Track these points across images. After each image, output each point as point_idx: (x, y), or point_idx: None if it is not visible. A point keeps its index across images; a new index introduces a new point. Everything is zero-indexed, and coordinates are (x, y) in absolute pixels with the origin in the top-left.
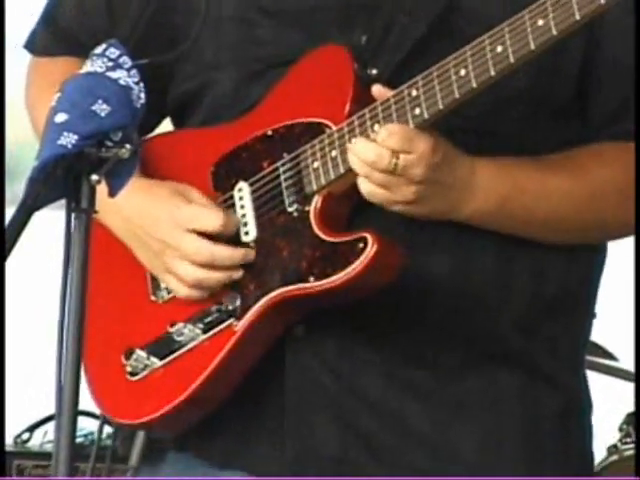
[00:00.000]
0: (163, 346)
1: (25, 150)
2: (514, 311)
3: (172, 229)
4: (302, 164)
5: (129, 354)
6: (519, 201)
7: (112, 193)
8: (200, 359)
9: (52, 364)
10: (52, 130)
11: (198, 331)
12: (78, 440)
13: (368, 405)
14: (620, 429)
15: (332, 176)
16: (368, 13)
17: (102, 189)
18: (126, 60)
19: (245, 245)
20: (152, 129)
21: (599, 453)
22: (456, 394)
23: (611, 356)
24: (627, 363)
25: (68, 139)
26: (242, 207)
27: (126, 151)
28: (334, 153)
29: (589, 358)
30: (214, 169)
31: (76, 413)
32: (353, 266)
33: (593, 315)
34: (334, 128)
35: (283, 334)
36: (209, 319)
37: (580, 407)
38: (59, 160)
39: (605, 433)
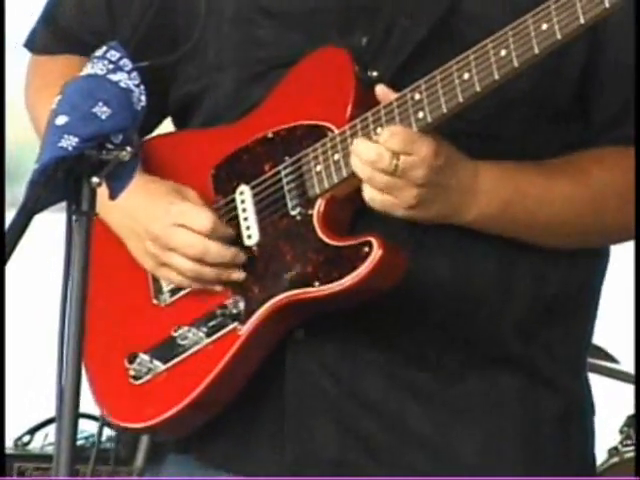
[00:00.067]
0: (167, 350)
1: (25, 152)
2: (515, 314)
3: (164, 223)
4: (304, 167)
5: (132, 358)
6: (521, 205)
7: (113, 196)
8: (204, 363)
9: (53, 367)
10: (53, 133)
11: (202, 335)
12: (79, 443)
13: (368, 407)
14: (621, 431)
15: (335, 180)
16: (369, 15)
17: (103, 189)
18: (127, 62)
19: (248, 249)
20: (151, 130)
21: (600, 455)
22: (457, 396)
23: (612, 358)
24: (628, 365)
25: (69, 141)
26: (244, 210)
27: (126, 154)
28: (337, 156)
29: (590, 360)
30: (215, 172)
31: (77, 416)
32: (358, 270)
33: (594, 319)
34: (336, 131)
35: (284, 338)
36: (213, 323)
37: (581, 410)
38: (60, 163)
39: (606, 435)
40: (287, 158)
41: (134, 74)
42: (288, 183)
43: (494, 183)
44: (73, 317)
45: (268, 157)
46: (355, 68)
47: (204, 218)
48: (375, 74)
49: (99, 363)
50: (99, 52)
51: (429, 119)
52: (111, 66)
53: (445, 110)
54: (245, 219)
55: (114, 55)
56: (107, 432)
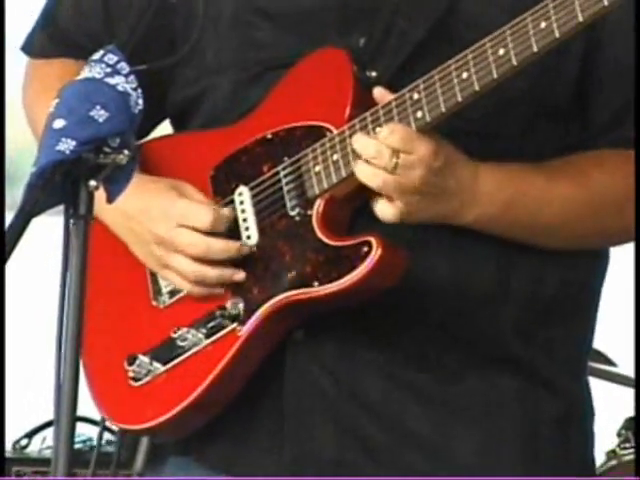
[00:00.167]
0: (166, 351)
1: (25, 156)
2: (514, 315)
3: (166, 223)
4: (303, 168)
5: (132, 360)
6: (522, 206)
7: (110, 199)
8: (204, 364)
9: (50, 370)
10: (50, 136)
11: (201, 336)
12: (77, 446)
13: (367, 408)
14: (619, 434)
15: (334, 180)
16: (367, 16)
17: (101, 192)
18: (124, 66)
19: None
20: (148, 133)
21: (598, 458)
22: (456, 396)
23: (609, 362)
24: (625, 369)
25: (66, 145)
26: (243, 211)
27: (124, 157)
28: (336, 157)
29: (588, 364)
30: (213, 173)
31: (75, 419)
32: (358, 270)
33: (595, 321)
34: (335, 131)
35: (283, 338)
36: (212, 324)
37: (581, 413)
38: (57, 166)
39: (604, 438)
40: (286, 159)
41: (131, 77)
42: (287, 184)
43: (494, 184)
44: (71, 320)
45: (267, 158)
46: (354, 68)
47: (204, 214)
48: (374, 74)
49: (98, 365)
50: (96, 55)
51: (428, 118)
52: (108, 69)
53: (444, 109)
54: (244, 220)
55: (111, 58)
56: (106, 436)
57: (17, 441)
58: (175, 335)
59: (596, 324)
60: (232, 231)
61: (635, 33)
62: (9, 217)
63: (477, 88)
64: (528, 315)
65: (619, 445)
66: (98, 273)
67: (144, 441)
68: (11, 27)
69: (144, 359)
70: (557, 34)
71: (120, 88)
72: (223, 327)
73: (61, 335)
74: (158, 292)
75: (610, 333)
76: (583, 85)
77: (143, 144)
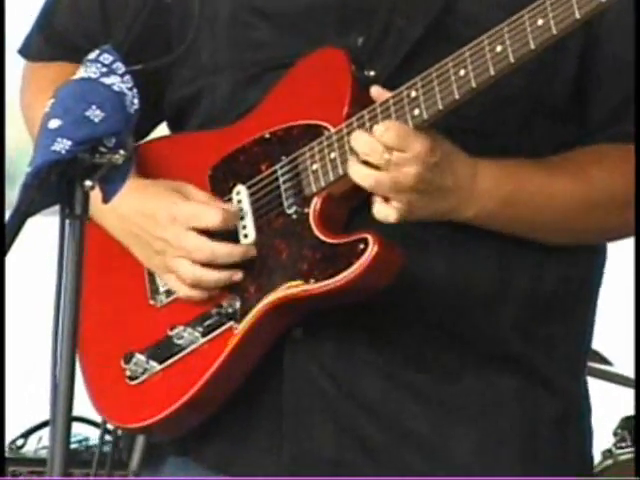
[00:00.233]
0: (163, 350)
1: (25, 156)
2: (513, 312)
3: (172, 227)
4: (301, 166)
5: (128, 358)
6: (521, 202)
7: (106, 199)
8: (200, 362)
9: (46, 370)
10: (46, 136)
11: (198, 334)
12: (72, 446)
13: (366, 407)
14: (615, 433)
15: (331, 178)
16: (365, 16)
17: (97, 192)
18: (120, 66)
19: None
20: (147, 134)
21: (594, 457)
22: (455, 396)
23: (605, 361)
24: (621, 368)
25: (62, 145)
26: (241, 210)
27: (120, 157)
28: (333, 155)
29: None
30: (212, 172)
31: (70, 419)
32: (354, 267)
33: (593, 322)
34: (332, 130)
35: (281, 336)
36: (209, 322)
37: (579, 413)
38: (53, 166)
39: (600, 437)
40: (284, 158)
41: (127, 77)
42: (284, 182)
43: (493, 181)
44: (67, 320)
45: (265, 157)
46: (352, 67)
47: (214, 215)
48: (372, 73)
49: (95, 363)
50: (92, 55)
51: (425, 116)
52: (104, 69)
53: (441, 107)
54: (242, 218)
55: (107, 58)
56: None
57: (13, 441)
58: (172, 333)
59: (595, 322)
60: (229, 230)
61: (635, 29)
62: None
63: (474, 85)
64: (527, 312)
65: (615, 444)
66: (95, 273)
67: (140, 440)
68: (11, 28)
69: (141, 357)
70: (555, 31)
71: (116, 88)
72: (219, 325)
73: (57, 335)
74: (155, 291)
75: (606, 332)
76: (581, 82)
77: (141, 145)
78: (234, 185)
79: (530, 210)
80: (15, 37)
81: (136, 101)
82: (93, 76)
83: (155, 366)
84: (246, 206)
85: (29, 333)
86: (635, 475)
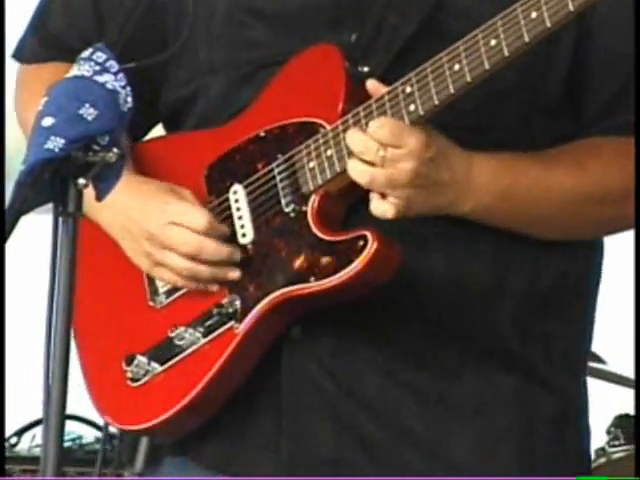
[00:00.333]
0: (164, 351)
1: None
2: (511, 309)
3: (159, 222)
4: (297, 164)
5: (130, 360)
6: (518, 196)
7: (99, 197)
8: (201, 363)
9: (40, 368)
10: (39, 134)
11: (199, 335)
12: (66, 444)
13: (365, 405)
14: (608, 432)
15: (328, 175)
16: (358, 14)
17: (91, 189)
18: (113, 64)
19: (242, 247)
20: (144, 134)
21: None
22: (453, 394)
23: (599, 359)
24: (615, 366)
25: (55, 143)
26: (238, 209)
27: (113, 155)
28: (329, 152)
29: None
30: (207, 172)
31: (64, 417)
32: (354, 264)
33: (593, 321)
34: (328, 127)
35: (280, 335)
36: (209, 322)
37: (577, 411)
38: (46, 164)
39: (593, 436)
40: (280, 156)
41: (120, 75)
42: (281, 180)
43: (489, 175)
44: (60, 318)
45: (261, 156)
46: (345, 64)
47: (200, 216)
48: (366, 69)
49: (96, 366)
50: (85, 54)
51: (421, 111)
52: (97, 67)
53: (437, 102)
54: (239, 218)
55: (100, 57)
56: (96, 434)
57: (7, 439)
58: (172, 334)
59: (594, 323)
60: (227, 230)
61: (635, 29)
62: None
63: (469, 79)
64: (525, 309)
65: (608, 443)
66: (95, 275)
67: (144, 441)
68: (11, 28)
69: (142, 359)
70: (548, 23)
71: (109, 86)
72: (220, 325)
73: (50, 333)
74: (155, 292)
75: (599, 331)
76: (575, 75)
77: (136, 145)
78: (231, 184)
79: (527, 203)
80: (16, 37)
81: (130, 99)
82: (86, 74)
83: (157, 367)
84: (243, 205)
85: (22, 331)
86: (635, 475)
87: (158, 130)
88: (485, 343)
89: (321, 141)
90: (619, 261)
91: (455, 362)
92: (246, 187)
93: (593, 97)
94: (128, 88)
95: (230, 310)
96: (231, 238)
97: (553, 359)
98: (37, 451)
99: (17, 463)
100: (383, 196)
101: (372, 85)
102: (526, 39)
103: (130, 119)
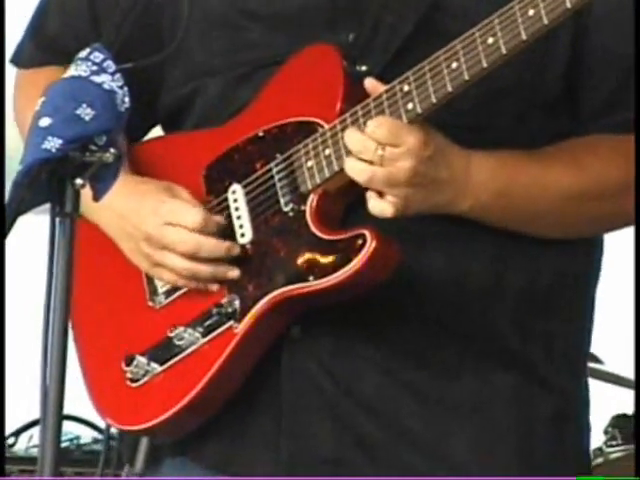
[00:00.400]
0: (163, 351)
1: None
2: (511, 308)
3: (155, 221)
4: (296, 164)
5: (129, 360)
6: (516, 194)
7: (96, 197)
8: (201, 363)
9: (37, 368)
10: (36, 134)
11: (198, 335)
12: (63, 445)
13: (364, 405)
14: (605, 432)
15: (327, 174)
16: (355, 14)
17: (88, 189)
18: (110, 64)
19: (241, 247)
20: (142, 136)
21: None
22: (452, 393)
23: (596, 359)
24: (612, 366)
25: (52, 143)
26: (237, 209)
27: (110, 155)
28: (328, 151)
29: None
30: (206, 172)
31: (61, 417)
32: (353, 263)
33: (592, 321)
34: (327, 126)
35: (280, 335)
36: (209, 322)
37: (577, 411)
38: (43, 164)
39: (591, 435)
40: (278, 155)
41: (118, 76)
42: (280, 180)
43: (488, 173)
44: (57, 317)
45: (259, 155)
46: (344, 63)
47: (194, 214)
48: (364, 69)
49: (96, 366)
50: (83, 54)
51: (419, 110)
52: (95, 68)
53: (434, 100)
54: (238, 217)
55: (97, 57)
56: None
57: (4, 439)
58: (172, 334)
59: (594, 323)
60: (226, 229)
61: (635, 28)
62: None
63: (467, 77)
64: (524, 307)
65: (606, 443)
66: (93, 275)
67: (144, 441)
68: (11, 29)
69: (142, 359)
70: (546, 21)
71: (106, 86)
72: (220, 325)
73: (47, 333)
74: (154, 292)
75: (596, 331)
76: (572, 72)
77: (135, 146)
78: (229, 184)
79: (525, 201)
80: (16, 38)
81: (127, 99)
82: (83, 74)
83: (156, 368)
84: (242, 205)
85: (19, 332)
86: (635, 475)
87: (157, 131)
88: (484, 342)
89: (319, 140)
90: (617, 260)
91: (454, 361)
92: (245, 187)
93: (590, 95)
94: (125, 88)
95: (229, 310)
96: (230, 238)
97: (554, 358)
98: (34, 451)
99: (15, 463)
100: (381, 195)
101: (370, 84)
102: (523, 37)
103: (128, 120)
